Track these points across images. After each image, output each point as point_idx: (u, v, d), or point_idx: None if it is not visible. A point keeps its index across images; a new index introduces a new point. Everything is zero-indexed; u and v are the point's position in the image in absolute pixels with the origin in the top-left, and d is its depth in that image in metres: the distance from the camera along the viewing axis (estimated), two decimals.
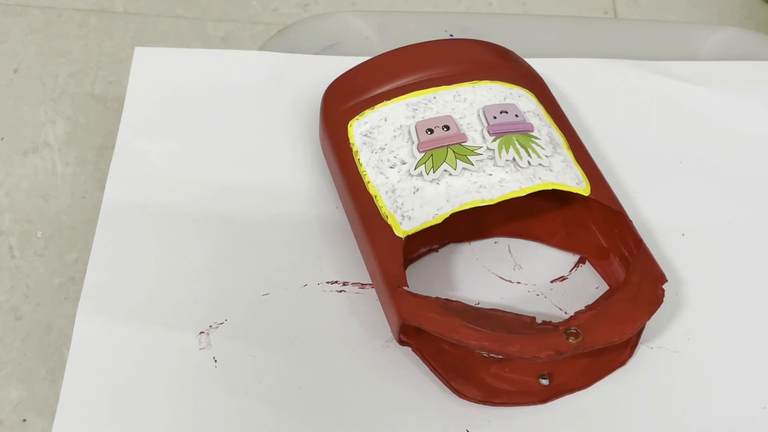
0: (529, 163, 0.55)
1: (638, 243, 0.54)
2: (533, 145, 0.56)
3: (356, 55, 0.68)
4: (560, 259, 0.58)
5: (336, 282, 0.57)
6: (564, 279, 0.57)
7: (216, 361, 0.54)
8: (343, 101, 0.60)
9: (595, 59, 0.68)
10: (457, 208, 0.53)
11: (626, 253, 0.55)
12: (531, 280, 0.57)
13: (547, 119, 0.59)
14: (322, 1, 1.30)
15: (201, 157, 0.62)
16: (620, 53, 0.69)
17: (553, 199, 0.58)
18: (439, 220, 0.53)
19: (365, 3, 1.31)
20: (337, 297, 0.56)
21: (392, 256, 0.53)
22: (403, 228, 0.53)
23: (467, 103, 0.58)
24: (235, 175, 0.62)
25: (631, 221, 0.55)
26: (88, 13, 1.28)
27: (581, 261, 0.58)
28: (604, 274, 0.57)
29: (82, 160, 1.13)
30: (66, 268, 1.06)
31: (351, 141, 0.58)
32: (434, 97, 0.59)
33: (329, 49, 0.70)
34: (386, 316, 0.54)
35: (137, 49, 0.67)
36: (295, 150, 0.63)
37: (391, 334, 0.54)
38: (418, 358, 0.53)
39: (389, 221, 0.54)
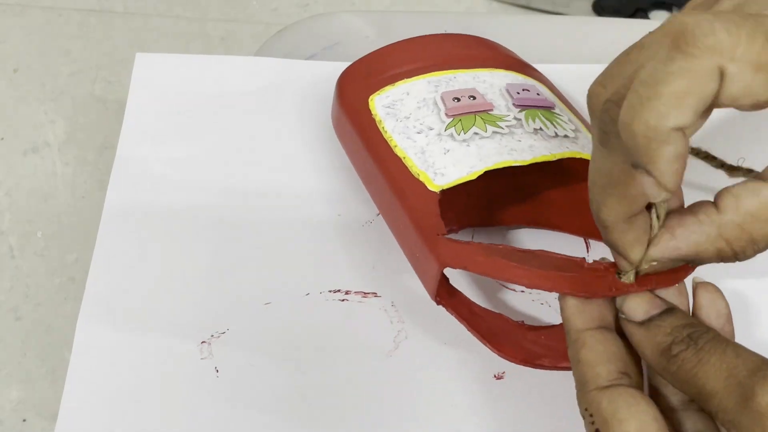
0: (556, 133, 0.55)
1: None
2: (557, 120, 0.56)
3: (356, 55, 0.68)
4: None
5: (338, 291, 0.57)
6: None
7: (218, 370, 0.54)
8: (361, 80, 0.60)
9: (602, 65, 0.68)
10: (491, 166, 0.53)
11: None
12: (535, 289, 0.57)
13: (563, 107, 0.60)
14: (322, 1, 1.31)
15: (202, 164, 0.62)
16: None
17: (565, 184, 0.58)
18: (474, 176, 0.52)
19: (365, 3, 1.31)
20: (339, 306, 0.56)
21: (427, 208, 0.52)
22: (437, 183, 0.53)
23: (486, 84, 0.58)
24: (237, 182, 0.62)
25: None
26: (88, 13, 1.28)
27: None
28: None
29: (82, 160, 1.13)
30: (66, 268, 1.06)
31: (373, 112, 0.57)
32: (454, 77, 0.59)
33: (329, 49, 0.70)
34: (421, 275, 0.52)
35: (138, 55, 0.67)
36: (298, 156, 0.63)
37: (393, 344, 0.54)
38: (420, 367, 0.53)
39: (421, 178, 0.53)
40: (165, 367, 0.53)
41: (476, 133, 0.54)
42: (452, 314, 0.52)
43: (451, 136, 0.54)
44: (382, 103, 0.58)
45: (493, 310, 0.54)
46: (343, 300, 0.56)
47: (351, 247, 0.58)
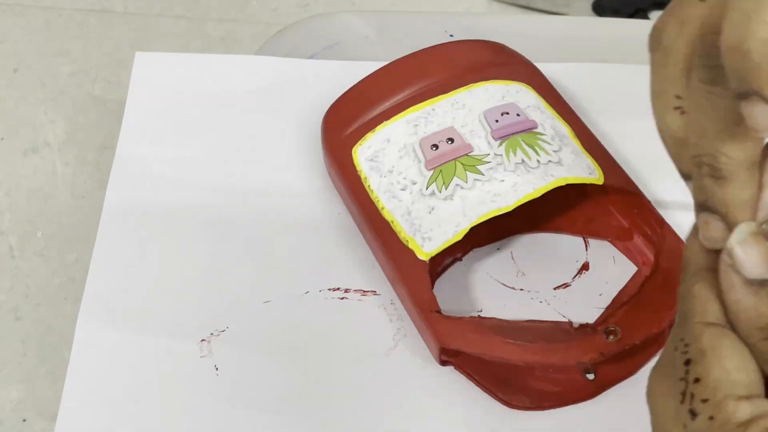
0: (538, 162, 0.55)
1: (660, 223, 0.54)
2: (540, 143, 0.56)
3: (356, 55, 0.68)
4: (563, 267, 0.58)
5: (338, 289, 0.57)
6: (567, 286, 0.57)
7: (217, 369, 0.54)
8: (342, 127, 0.60)
9: (605, 64, 0.68)
10: (475, 221, 0.53)
11: (649, 232, 0.55)
12: (534, 288, 0.57)
13: (549, 111, 0.59)
14: (322, 1, 1.31)
15: (202, 163, 0.62)
16: (628, 56, 0.69)
17: (568, 188, 0.58)
18: (459, 237, 0.53)
19: (365, 3, 1.31)
20: (338, 304, 0.56)
21: (419, 280, 0.53)
22: (425, 250, 0.54)
23: (466, 109, 0.58)
24: (237, 181, 0.62)
25: (649, 201, 0.55)
26: (88, 13, 1.28)
27: (584, 267, 0.58)
28: (630, 255, 0.57)
29: (82, 160, 1.13)
30: (66, 268, 1.06)
31: (358, 168, 0.58)
32: (432, 110, 0.59)
33: (329, 49, 0.70)
34: (423, 339, 0.54)
35: (138, 54, 0.67)
36: (297, 155, 0.63)
37: (392, 342, 0.54)
38: (419, 365, 0.53)
39: (410, 245, 0.54)
40: (165, 366, 0.53)
41: (458, 185, 0.55)
42: (461, 372, 0.53)
43: (433, 193, 0.55)
44: (364, 156, 0.58)
45: (524, 319, 0.55)
46: (342, 298, 0.56)
47: (350, 245, 0.58)
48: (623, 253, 0.57)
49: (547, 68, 0.65)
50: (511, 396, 0.52)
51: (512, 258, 0.58)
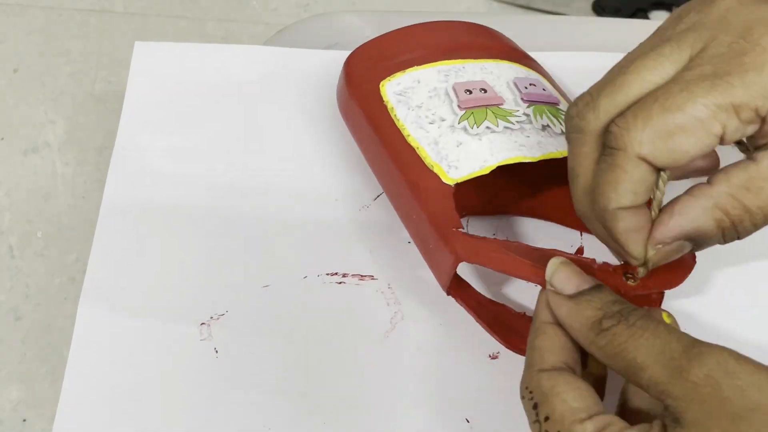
0: (561, 131, 0.56)
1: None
2: (562, 117, 0.57)
3: None
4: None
5: (336, 273, 0.57)
6: None
7: (217, 351, 0.54)
8: (370, 65, 0.60)
9: (601, 53, 0.67)
10: (502, 161, 0.54)
11: None
12: None
13: (562, 100, 0.60)
14: (322, 1, 1.31)
15: (202, 152, 0.63)
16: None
17: (562, 179, 0.59)
18: (487, 171, 0.53)
19: (365, 3, 1.31)
20: (337, 288, 0.57)
21: (442, 201, 0.53)
22: (451, 176, 0.53)
23: (494, 75, 0.59)
24: (237, 170, 0.62)
25: None
26: (88, 13, 1.28)
27: (579, 252, 0.58)
28: None
29: (82, 160, 1.13)
30: (66, 268, 1.06)
31: (385, 99, 0.58)
32: (463, 67, 0.59)
33: (329, 48, 0.70)
34: (433, 266, 0.53)
35: (137, 44, 0.67)
36: (296, 144, 0.63)
37: (390, 325, 0.55)
38: (416, 347, 0.53)
39: (435, 170, 0.54)
40: (165, 349, 0.54)
41: (488, 128, 0.55)
42: (461, 305, 0.53)
43: (464, 129, 0.55)
44: (393, 90, 0.58)
45: (496, 300, 0.55)
46: (340, 282, 0.57)
47: (349, 230, 0.59)
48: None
49: (541, 57, 0.65)
50: (509, 339, 0.52)
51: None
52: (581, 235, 0.59)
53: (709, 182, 0.45)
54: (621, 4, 1.31)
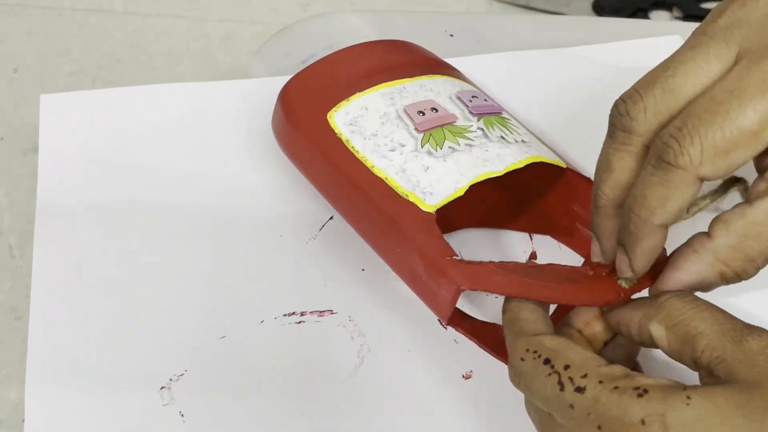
0: (514, 140, 0.56)
1: None
2: (509, 125, 0.57)
3: None
4: (512, 258, 0.58)
5: (293, 313, 0.55)
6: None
7: (183, 415, 0.52)
8: (309, 95, 0.59)
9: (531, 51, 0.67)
10: (473, 180, 0.54)
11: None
12: None
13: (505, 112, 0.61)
14: (322, 1, 1.30)
15: (132, 204, 0.60)
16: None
17: (514, 185, 0.59)
18: (461, 192, 0.54)
19: (365, 3, 1.31)
20: (297, 329, 0.55)
21: (428, 230, 0.52)
22: (429, 203, 0.53)
23: (435, 92, 0.58)
24: (169, 217, 0.59)
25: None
26: (88, 13, 1.28)
27: (532, 257, 0.59)
28: (574, 246, 0.57)
29: None
30: None
31: (337, 131, 0.57)
32: (404, 88, 0.59)
33: (329, 49, 0.70)
34: (429, 300, 0.52)
35: (43, 97, 0.65)
36: (229, 182, 0.61)
37: (357, 359, 0.54)
38: (388, 377, 0.53)
39: (411, 199, 0.53)
40: (127, 420, 0.51)
41: (450, 147, 0.55)
42: (462, 333, 0.53)
43: (429, 152, 0.55)
44: (342, 120, 0.57)
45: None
46: (299, 322, 0.55)
47: (298, 267, 0.57)
48: (568, 246, 0.58)
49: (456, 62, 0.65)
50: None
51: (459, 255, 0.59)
52: (530, 238, 0.59)
53: (709, 234, 0.46)
54: (621, 4, 1.31)
